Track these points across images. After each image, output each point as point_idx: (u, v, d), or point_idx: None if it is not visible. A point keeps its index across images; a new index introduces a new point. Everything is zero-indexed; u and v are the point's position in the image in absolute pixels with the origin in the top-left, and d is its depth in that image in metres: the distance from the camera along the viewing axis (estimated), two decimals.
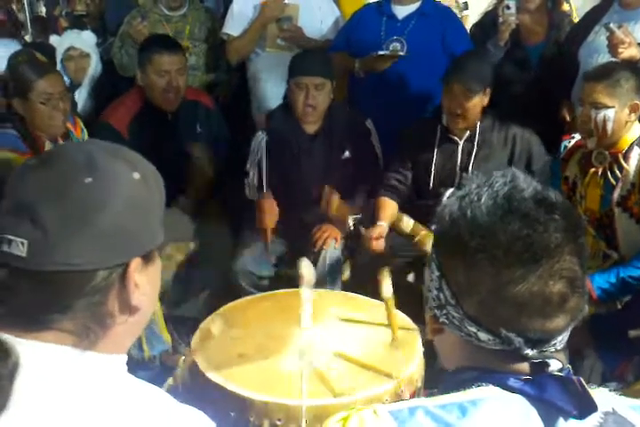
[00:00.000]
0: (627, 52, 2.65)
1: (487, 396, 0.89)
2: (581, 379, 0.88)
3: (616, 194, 2.40)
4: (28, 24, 6.14)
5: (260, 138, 3.03)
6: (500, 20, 3.11)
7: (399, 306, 2.07)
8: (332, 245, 2.94)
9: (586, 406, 0.86)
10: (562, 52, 3.20)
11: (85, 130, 2.98)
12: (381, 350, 2.01)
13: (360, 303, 2.32)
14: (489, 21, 3.31)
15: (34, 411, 0.77)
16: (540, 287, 0.87)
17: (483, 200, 0.90)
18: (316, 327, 2.10)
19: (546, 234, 0.87)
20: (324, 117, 3.01)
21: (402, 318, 2.13)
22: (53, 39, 3.92)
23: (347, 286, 2.89)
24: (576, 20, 3.60)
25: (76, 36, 3.80)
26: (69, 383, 0.80)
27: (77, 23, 4.70)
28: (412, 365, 1.91)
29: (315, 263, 2.91)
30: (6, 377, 0.75)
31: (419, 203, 3.00)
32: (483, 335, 0.91)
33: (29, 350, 0.79)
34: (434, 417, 0.87)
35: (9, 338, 0.79)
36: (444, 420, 0.87)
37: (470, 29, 3.57)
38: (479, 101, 2.81)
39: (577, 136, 2.58)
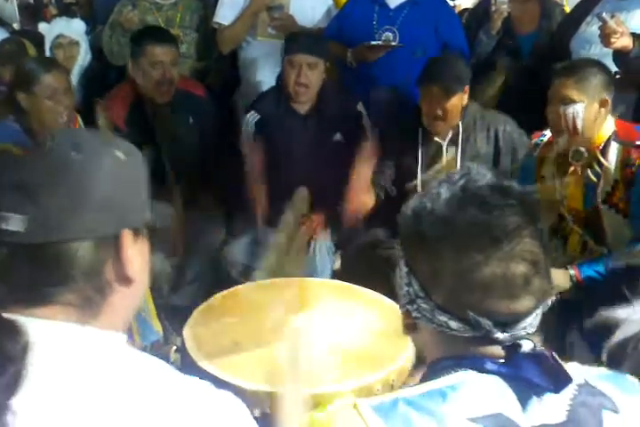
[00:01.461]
0: (619, 42, 2.62)
1: (465, 380, 0.91)
2: (554, 354, 0.91)
3: (600, 191, 2.38)
4: (16, 11, 6.06)
5: (252, 118, 2.99)
6: (493, 8, 3.12)
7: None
8: (322, 235, 2.94)
9: (561, 380, 0.90)
10: (553, 42, 3.20)
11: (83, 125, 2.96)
12: (373, 338, 2.01)
13: (352, 292, 2.32)
14: (481, 10, 3.31)
15: (47, 389, 0.78)
16: (502, 269, 0.90)
17: (441, 194, 0.95)
18: (307, 316, 2.10)
19: (502, 218, 0.91)
20: (316, 98, 2.97)
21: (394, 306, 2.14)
22: (42, 27, 3.87)
23: (337, 276, 2.89)
24: (567, 9, 3.60)
25: (65, 23, 3.76)
26: (80, 360, 0.82)
27: (66, 11, 4.66)
28: (404, 354, 1.91)
29: (305, 253, 2.92)
30: (19, 356, 0.77)
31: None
32: (453, 324, 0.93)
33: (39, 329, 0.81)
34: (416, 406, 0.89)
35: (19, 317, 0.81)
36: (425, 407, 0.89)
37: (464, 17, 3.57)
38: (458, 101, 2.73)
39: (548, 133, 2.53)
